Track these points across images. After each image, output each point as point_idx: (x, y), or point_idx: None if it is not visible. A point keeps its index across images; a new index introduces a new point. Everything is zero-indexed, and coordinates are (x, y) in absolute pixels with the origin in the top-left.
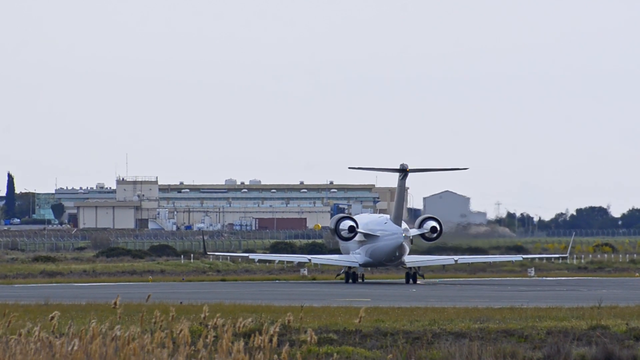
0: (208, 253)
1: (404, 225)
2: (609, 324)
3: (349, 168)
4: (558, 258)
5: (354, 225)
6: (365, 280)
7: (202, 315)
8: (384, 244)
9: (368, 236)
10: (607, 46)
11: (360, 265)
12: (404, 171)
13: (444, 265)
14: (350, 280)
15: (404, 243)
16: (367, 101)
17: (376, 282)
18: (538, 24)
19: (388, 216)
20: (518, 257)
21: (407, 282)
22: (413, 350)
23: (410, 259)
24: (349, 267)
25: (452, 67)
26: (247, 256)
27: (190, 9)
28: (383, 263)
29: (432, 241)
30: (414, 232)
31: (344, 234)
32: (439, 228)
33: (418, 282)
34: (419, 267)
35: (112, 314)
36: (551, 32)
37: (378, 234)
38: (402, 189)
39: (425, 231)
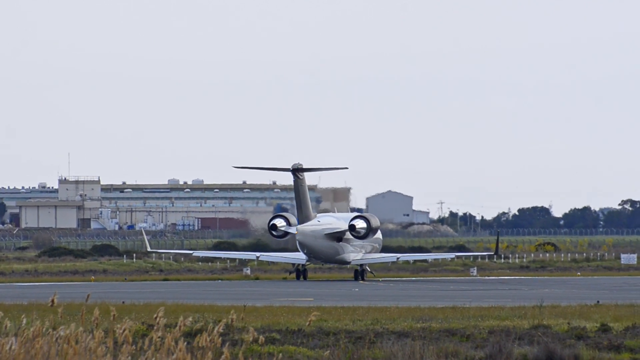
0: (150, 250)
1: (313, 226)
2: (551, 324)
3: (234, 167)
4: (492, 256)
5: (276, 224)
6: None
7: (155, 316)
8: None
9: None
10: (557, 53)
11: (306, 262)
12: (289, 170)
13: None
14: (302, 278)
15: (303, 240)
16: (306, 101)
17: (323, 280)
18: (480, 31)
19: (322, 215)
20: (452, 255)
21: (356, 279)
22: (356, 349)
23: (354, 257)
24: (300, 265)
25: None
26: (191, 253)
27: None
28: (317, 260)
29: (361, 239)
30: (331, 230)
31: (274, 232)
32: (365, 225)
33: (366, 279)
34: (361, 265)
35: (54, 313)
36: (505, 38)
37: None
38: (299, 188)
39: (342, 229)
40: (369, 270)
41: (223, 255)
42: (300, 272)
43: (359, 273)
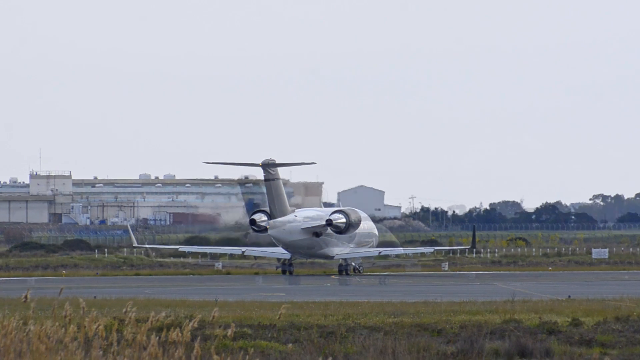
0: (136, 245)
1: (288, 221)
2: (522, 318)
3: (204, 162)
4: (464, 250)
5: (255, 219)
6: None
7: (124, 310)
8: None
9: None
10: (528, 46)
11: (291, 256)
12: (259, 165)
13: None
14: (288, 273)
15: (276, 235)
16: (277, 97)
17: (313, 275)
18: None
19: (298, 210)
20: (430, 249)
21: (340, 273)
22: (327, 344)
23: (339, 252)
24: (286, 260)
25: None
26: (177, 248)
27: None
28: (299, 255)
29: (340, 234)
30: (308, 224)
31: (254, 227)
32: (344, 220)
33: (353, 274)
34: (346, 259)
35: (25, 308)
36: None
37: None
38: (270, 183)
39: (321, 224)
40: (354, 265)
41: (209, 250)
42: (286, 267)
43: (344, 267)
